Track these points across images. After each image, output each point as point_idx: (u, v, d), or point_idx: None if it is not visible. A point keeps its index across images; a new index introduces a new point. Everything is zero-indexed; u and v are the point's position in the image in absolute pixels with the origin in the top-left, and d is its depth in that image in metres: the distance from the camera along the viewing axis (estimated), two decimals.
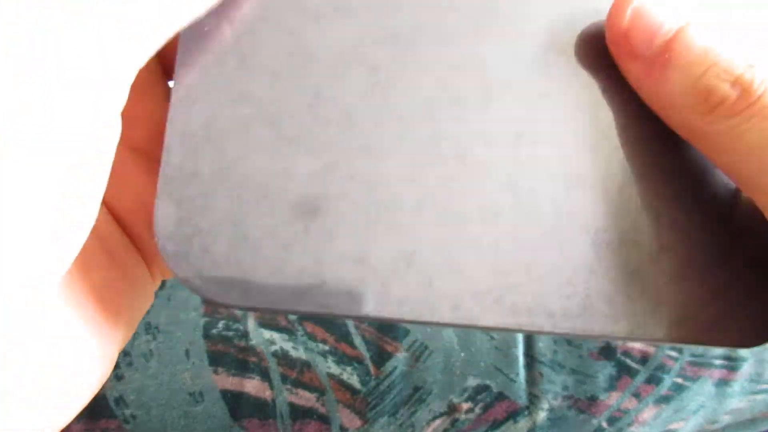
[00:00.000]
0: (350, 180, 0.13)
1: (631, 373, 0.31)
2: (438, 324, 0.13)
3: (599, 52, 0.14)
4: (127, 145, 0.15)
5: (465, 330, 0.31)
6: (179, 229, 0.13)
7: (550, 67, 0.14)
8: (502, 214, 0.14)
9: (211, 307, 0.13)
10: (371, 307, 0.13)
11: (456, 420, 0.30)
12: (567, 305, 0.13)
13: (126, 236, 0.15)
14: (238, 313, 0.30)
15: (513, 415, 0.30)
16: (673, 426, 0.31)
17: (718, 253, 0.14)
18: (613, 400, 0.31)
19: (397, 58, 0.14)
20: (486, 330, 0.13)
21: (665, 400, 0.31)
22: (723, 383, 0.31)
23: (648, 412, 0.31)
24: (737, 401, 0.32)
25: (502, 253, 0.13)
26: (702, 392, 0.31)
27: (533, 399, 0.30)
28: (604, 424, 0.31)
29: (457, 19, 0.14)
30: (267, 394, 0.29)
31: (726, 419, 0.33)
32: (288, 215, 0.13)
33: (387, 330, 0.31)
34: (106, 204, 0.15)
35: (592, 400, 0.30)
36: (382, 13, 0.14)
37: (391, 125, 0.14)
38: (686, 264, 0.14)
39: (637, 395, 0.31)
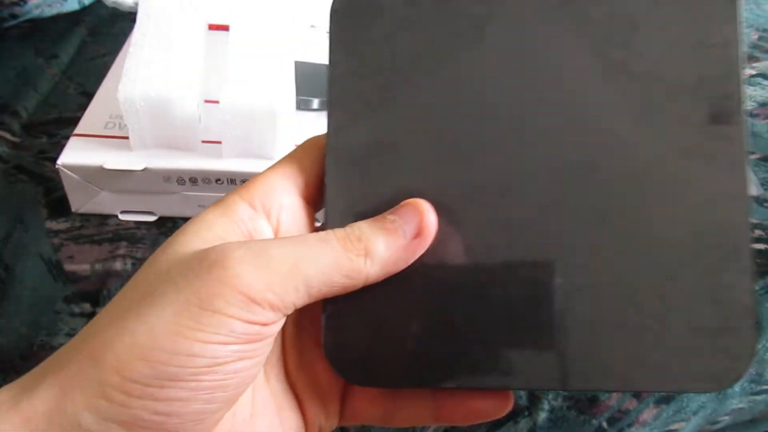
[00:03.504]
0: None
1: None
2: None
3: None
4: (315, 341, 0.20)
5: None
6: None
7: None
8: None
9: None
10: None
11: None
12: None
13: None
14: None
15: (513, 415, 0.30)
16: (673, 427, 0.31)
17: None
18: (613, 400, 0.30)
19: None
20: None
21: (665, 400, 0.31)
22: None
23: (648, 413, 0.31)
24: (737, 402, 0.32)
25: None
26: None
27: (534, 399, 0.30)
28: (605, 425, 0.30)
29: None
30: None
31: (726, 420, 0.33)
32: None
33: None
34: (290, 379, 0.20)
35: (593, 400, 0.30)
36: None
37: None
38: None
39: (637, 395, 0.31)
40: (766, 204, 0.37)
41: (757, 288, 0.33)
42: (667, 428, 0.31)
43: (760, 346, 0.32)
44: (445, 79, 0.18)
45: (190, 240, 0.17)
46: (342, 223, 0.18)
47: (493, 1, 0.18)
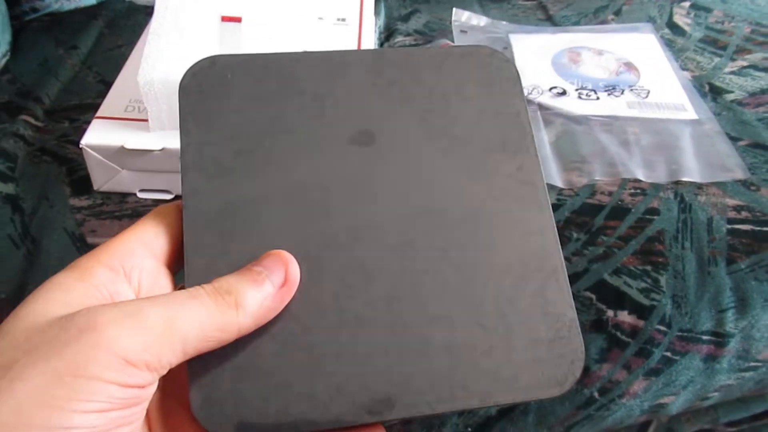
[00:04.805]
0: None
1: (621, 345, 0.32)
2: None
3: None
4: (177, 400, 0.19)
5: None
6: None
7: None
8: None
9: None
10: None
11: None
12: None
13: None
14: None
15: None
16: (663, 400, 0.32)
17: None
18: (604, 371, 0.31)
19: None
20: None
21: (655, 373, 0.32)
22: (711, 359, 0.32)
23: (638, 385, 0.32)
24: (726, 378, 0.33)
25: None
26: (691, 367, 0.32)
27: None
28: (596, 395, 0.31)
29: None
30: None
31: (716, 396, 0.33)
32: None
33: None
34: None
35: (584, 370, 0.31)
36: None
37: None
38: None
39: (627, 367, 0.32)
40: (752, 188, 0.39)
41: (743, 266, 0.34)
42: (657, 401, 0.32)
43: (746, 323, 0.33)
44: (294, 144, 0.21)
45: (47, 306, 0.16)
46: (204, 281, 0.18)
47: (331, 81, 0.22)
